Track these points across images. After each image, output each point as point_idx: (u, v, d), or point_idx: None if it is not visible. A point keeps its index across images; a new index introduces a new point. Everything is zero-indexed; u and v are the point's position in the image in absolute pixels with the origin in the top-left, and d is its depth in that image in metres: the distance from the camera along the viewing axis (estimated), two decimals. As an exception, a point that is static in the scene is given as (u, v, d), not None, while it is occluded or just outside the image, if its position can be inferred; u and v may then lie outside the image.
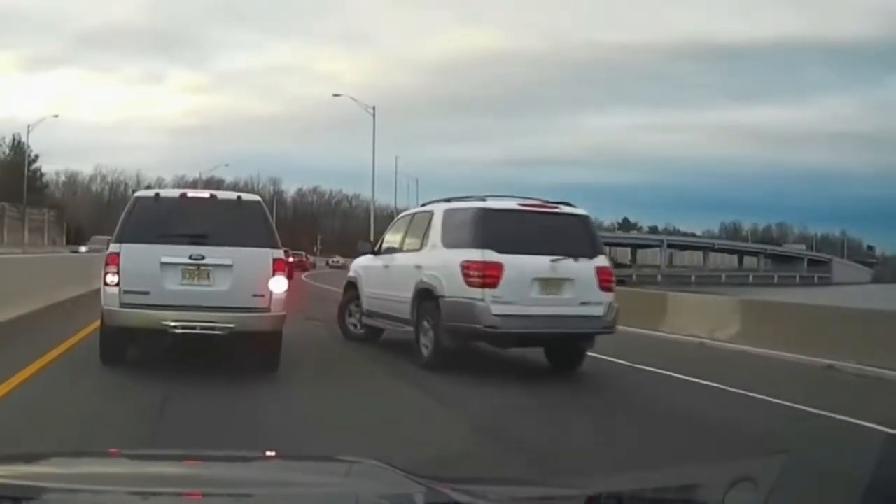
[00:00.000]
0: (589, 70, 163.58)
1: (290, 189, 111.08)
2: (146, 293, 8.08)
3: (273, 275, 8.26)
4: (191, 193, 9.14)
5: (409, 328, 9.88)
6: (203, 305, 8.07)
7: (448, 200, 10.30)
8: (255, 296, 8.22)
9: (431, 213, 10.24)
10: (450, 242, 9.54)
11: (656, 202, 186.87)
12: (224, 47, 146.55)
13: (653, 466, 5.24)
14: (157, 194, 9.04)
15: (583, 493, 2.41)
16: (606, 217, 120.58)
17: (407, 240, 10.71)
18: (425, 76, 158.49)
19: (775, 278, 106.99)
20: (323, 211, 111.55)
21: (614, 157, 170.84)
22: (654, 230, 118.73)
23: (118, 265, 8.10)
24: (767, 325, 13.31)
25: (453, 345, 9.22)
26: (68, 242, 62.92)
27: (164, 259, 8.10)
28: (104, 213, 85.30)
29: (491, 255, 8.89)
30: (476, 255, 8.95)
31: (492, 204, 9.55)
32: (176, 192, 9.39)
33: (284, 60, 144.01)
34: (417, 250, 10.14)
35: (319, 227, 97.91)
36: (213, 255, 8.15)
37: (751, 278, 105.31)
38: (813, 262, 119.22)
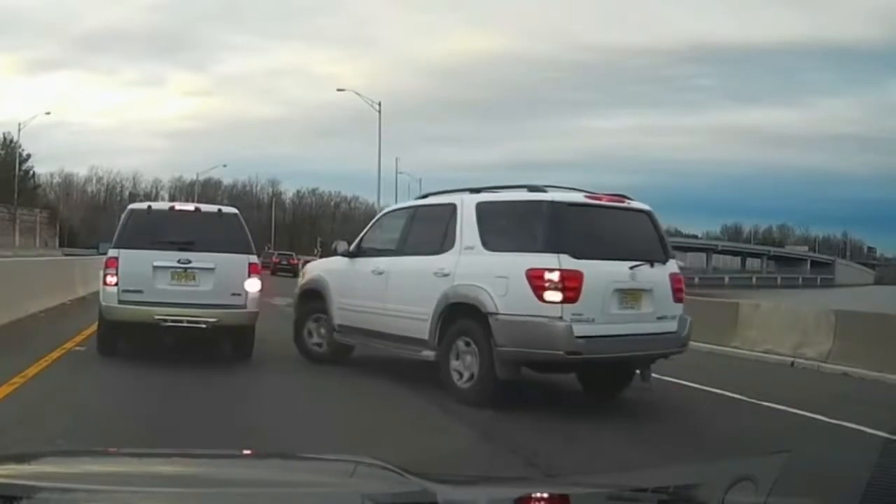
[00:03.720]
0: (590, 72, 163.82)
1: (288, 191, 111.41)
2: (140, 292, 9.19)
3: (249, 276, 9.45)
4: (178, 206, 10.39)
5: (427, 352, 8.10)
6: (189, 303, 9.17)
7: (476, 191, 8.50)
8: (233, 294, 9.37)
9: (454, 206, 8.34)
10: (496, 244, 7.81)
11: (657, 204, 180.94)
12: (224, 49, 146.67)
13: (653, 466, 5.21)
14: (149, 207, 10.17)
15: (583, 492, 2.39)
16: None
17: (410, 240, 8.84)
18: (426, 79, 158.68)
19: (778, 280, 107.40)
20: (322, 213, 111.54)
21: (615, 159, 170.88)
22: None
23: (117, 268, 9.24)
24: (870, 340, 11.27)
25: (512, 376, 7.53)
26: (61, 244, 62.75)
27: (156, 263, 9.24)
28: (99, 214, 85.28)
29: (569, 261, 7.26)
30: (550, 260, 7.26)
31: (563, 196, 7.81)
32: (166, 206, 10.48)
33: (285, 63, 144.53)
34: (435, 253, 8.23)
35: (318, 229, 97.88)
36: (198, 259, 9.32)
37: (754, 280, 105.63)
38: (816, 264, 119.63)
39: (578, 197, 7.92)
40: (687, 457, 6.11)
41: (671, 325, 7.91)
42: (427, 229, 8.70)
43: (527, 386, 8.69)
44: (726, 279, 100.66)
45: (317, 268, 10.54)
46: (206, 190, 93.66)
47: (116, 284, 9.19)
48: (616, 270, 7.51)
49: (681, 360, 9.38)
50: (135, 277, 9.20)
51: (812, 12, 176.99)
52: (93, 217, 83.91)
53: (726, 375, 10.38)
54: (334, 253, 10.04)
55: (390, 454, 2.61)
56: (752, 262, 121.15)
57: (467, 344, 7.71)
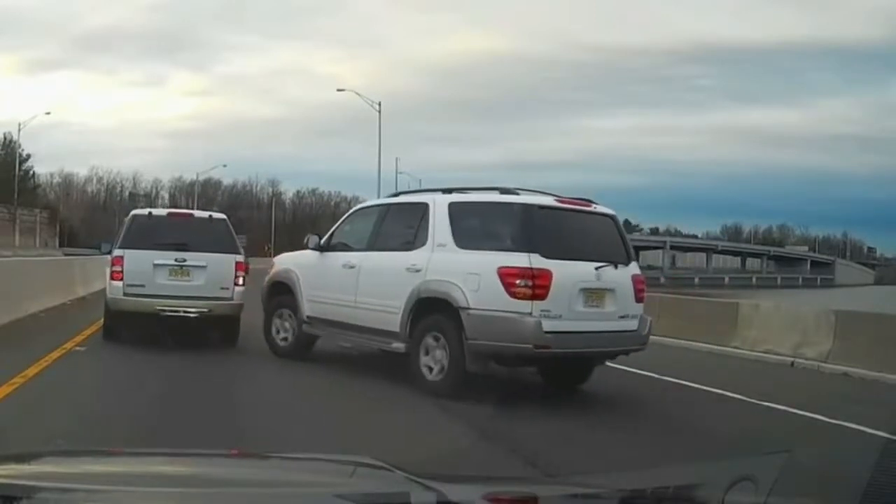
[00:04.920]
0: (590, 72, 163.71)
1: (288, 191, 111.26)
2: (143, 286, 10.50)
3: (235, 273, 10.79)
4: (175, 212, 12.42)
5: (397, 344, 8.44)
6: (184, 296, 10.49)
7: (448, 191, 8.90)
8: (222, 289, 10.71)
9: (426, 205, 8.70)
10: (468, 243, 8.20)
11: (657, 204, 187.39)
12: (225, 49, 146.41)
13: (653, 466, 5.20)
14: (149, 213, 11.85)
15: (583, 492, 2.39)
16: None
17: (381, 237, 9.18)
18: (426, 79, 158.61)
19: (778, 280, 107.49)
20: (322, 213, 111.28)
21: (615, 159, 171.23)
22: (655, 232, 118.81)
23: (122, 266, 10.54)
24: (870, 340, 11.26)
25: (481, 369, 7.91)
26: (61, 244, 62.69)
27: (156, 261, 10.58)
28: (99, 214, 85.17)
29: (539, 261, 7.68)
30: (521, 259, 7.67)
31: (534, 199, 8.30)
32: (164, 212, 12.33)
33: (285, 63, 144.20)
34: (407, 250, 8.59)
35: (318, 229, 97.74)
36: (192, 258, 10.69)
37: (754, 280, 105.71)
38: (816, 264, 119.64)
39: (548, 200, 8.31)
40: (687, 456, 6.11)
41: (633, 324, 8.31)
42: (399, 227, 9.07)
43: (526, 386, 8.72)
44: (726, 279, 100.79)
45: (285, 261, 10.77)
46: (206, 190, 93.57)
47: (122, 280, 10.52)
48: (582, 270, 7.93)
49: (682, 361, 9.43)
50: (138, 274, 10.53)
51: (812, 12, 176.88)
52: (93, 217, 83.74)
53: (726, 375, 10.38)
54: (306, 247, 10.23)
55: (390, 454, 2.61)
56: (752, 262, 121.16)
57: (437, 338, 8.06)
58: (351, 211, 10.75)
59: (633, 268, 8.52)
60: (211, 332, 11.03)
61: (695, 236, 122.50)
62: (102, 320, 11.15)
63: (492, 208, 8.43)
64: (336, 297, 9.31)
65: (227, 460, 2.83)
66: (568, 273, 7.75)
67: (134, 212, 12.00)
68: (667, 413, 8.13)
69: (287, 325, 10.10)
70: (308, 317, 9.74)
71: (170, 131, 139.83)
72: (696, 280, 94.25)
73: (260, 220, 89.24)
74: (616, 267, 8.18)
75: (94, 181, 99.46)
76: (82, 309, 15.35)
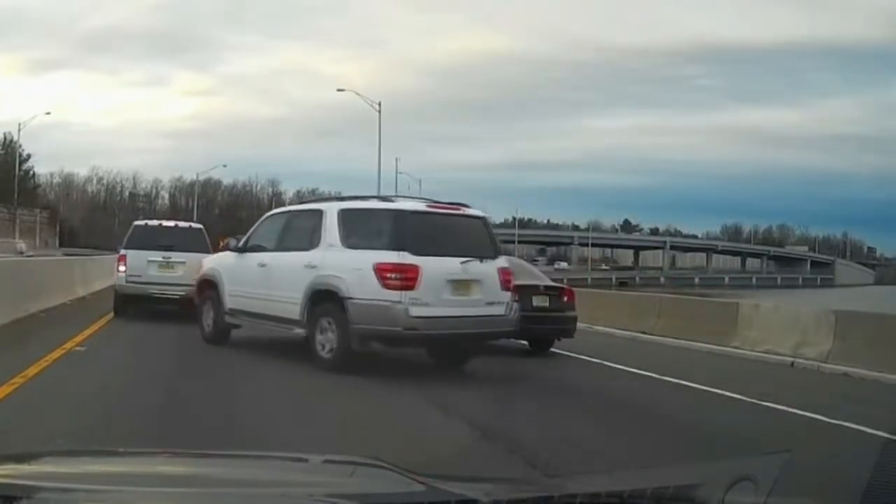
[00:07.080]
0: (590, 72, 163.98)
1: (288, 191, 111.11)
2: (140, 276, 14.44)
3: None
4: (164, 223, 16.68)
5: (298, 329, 9.69)
6: (170, 283, 14.29)
7: (340, 199, 10.64)
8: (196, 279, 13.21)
9: (321, 212, 10.07)
10: (353, 243, 9.47)
11: (657, 204, 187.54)
12: (225, 50, 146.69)
13: (653, 466, 5.20)
14: (146, 223, 16.43)
15: (583, 492, 2.39)
16: (607, 219, 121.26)
17: (286, 239, 10.55)
18: (426, 79, 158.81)
19: (778, 280, 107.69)
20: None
21: (615, 160, 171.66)
22: (654, 232, 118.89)
23: (126, 261, 14.58)
24: (870, 340, 11.28)
25: (363, 348, 9.19)
26: (61, 244, 62.71)
27: (150, 258, 14.53)
28: (99, 214, 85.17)
29: (408, 257, 8.89)
30: (392, 256, 8.92)
31: (405, 205, 9.62)
32: (157, 223, 16.80)
33: (286, 63, 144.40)
34: (306, 250, 9.88)
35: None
36: (175, 256, 14.53)
37: (754, 280, 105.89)
38: (816, 264, 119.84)
39: (420, 206, 9.69)
40: (686, 456, 6.09)
41: (500, 310, 9.50)
42: (300, 230, 10.42)
43: (527, 386, 8.72)
44: (726, 279, 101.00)
45: (211, 261, 12.34)
46: (207, 190, 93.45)
47: (125, 272, 14.50)
48: (449, 264, 9.17)
49: (681, 361, 9.40)
50: (136, 267, 14.43)
51: (812, 12, 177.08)
52: (93, 217, 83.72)
53: (726, 375, 10.38)
54: (227, 249, 11.96)
55: (390, 454, 2.61)
56: (752, 262, 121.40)
57: (329, 323, 9.30)
58: (263, 217, 12.08)
59: (501, 261, 9.80)
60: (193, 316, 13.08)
61: (695, 236, 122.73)
62: (113, 301, 14.73)
63: (372, 214, 9.73)
64: (252, 291, 10.65)
65: (227, 460, 2.83)
66: (435, 267, 8.98)
67: (135, 222, 16.53)
68: (667, 413, 8.13)
69: (212, 313, 11.41)
70: (230, 309, 11.06)
71: (170, 131, 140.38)
72: (696, 280, 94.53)
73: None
74: (482, 261, 9.41)
75: (95, 181, 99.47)
76: (82, 309, 15.53)
